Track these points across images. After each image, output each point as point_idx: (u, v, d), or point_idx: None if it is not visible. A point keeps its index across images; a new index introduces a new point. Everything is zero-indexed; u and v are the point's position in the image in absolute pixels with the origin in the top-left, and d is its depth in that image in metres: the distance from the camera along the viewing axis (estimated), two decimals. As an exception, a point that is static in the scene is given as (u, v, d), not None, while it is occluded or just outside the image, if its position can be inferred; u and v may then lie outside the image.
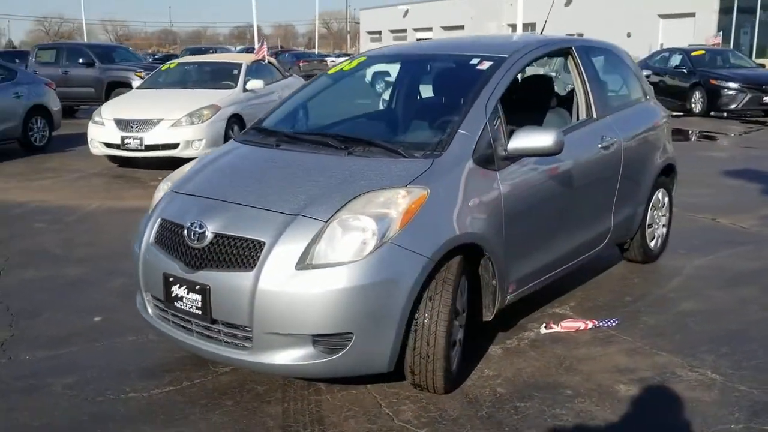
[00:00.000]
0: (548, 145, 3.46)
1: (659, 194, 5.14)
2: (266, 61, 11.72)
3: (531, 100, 4.66)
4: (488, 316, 3.60)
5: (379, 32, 57.79)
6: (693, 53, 17.70)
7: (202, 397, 3.33)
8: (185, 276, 3.17)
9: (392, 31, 55.43)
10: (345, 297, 2.90)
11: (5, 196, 8.06)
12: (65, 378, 3.52)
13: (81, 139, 9.76)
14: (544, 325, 4.06)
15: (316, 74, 4.93)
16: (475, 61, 3.93)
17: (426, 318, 3.07)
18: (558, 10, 40.28)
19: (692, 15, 35.73)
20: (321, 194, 3.15)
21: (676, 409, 3.19)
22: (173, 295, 3.24)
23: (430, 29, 49.91)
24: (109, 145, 9.36)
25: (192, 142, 9.06)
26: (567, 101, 4.65)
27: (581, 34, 43.67)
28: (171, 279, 3.24)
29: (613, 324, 4.11)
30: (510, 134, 3.56)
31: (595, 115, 4.35)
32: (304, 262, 2.95)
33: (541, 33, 5.38)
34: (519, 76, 5.10)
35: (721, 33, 27.88)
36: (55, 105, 11.64)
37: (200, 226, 3.17)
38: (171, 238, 3.33)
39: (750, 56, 26.01)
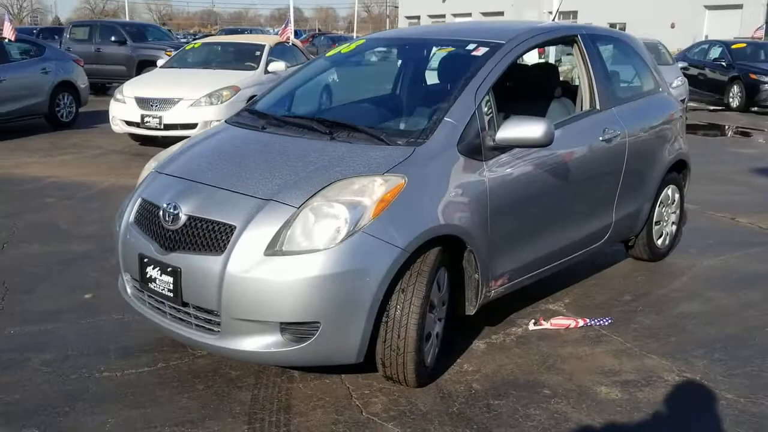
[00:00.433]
0: (537, 136, 3.34)
1: (669, 191, 4.97)
2: (290, 43, 11.67)
3: (536, 89, 4.53)
4: (471, 310, 3.51)
5: (418, 17, 57.32)
6: (733, 46, 17.15)
7: (175, 380, 3.31)
8: (158, 257, 3.15)
9: (430, 16, 54.95)
10: (312, 285, 2.84)
11: (24, 170, 8.17)
12: (44, 354, 3.54)
13: (108, 116, 9.84)
14: (533, 321, 3.96)
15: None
16: (471, 47, 3.82)
17: (397, 310, 3.00)
18: (601, 0, 39.57)
19: (739, 7, 34.70)
20: (296, 180, 3.09)
21: (655, 415, 3.07)
22: (148, 276, 3.22)
23: (469, 15, 49.33)
24: (129, 123, 9.43)
25: (210, 123, 9.05)
26: (575, 91, 4.49)
27: (623, 25, 42.86)
28: (146, 260, 3.22)
29: (606, 323, 3.99)
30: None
31: (598, 107, 4.20)
32: (273, 248, 2.89)
33: (553, 20, 5.21)
34: (526, 64, 4.99)
35: (763, 26, 26.98)
36: (82, 81, 11.77)
37: (175, 208, 3.14)
38: (148, 218, 3.31)
39: (797, 50, 25.13)
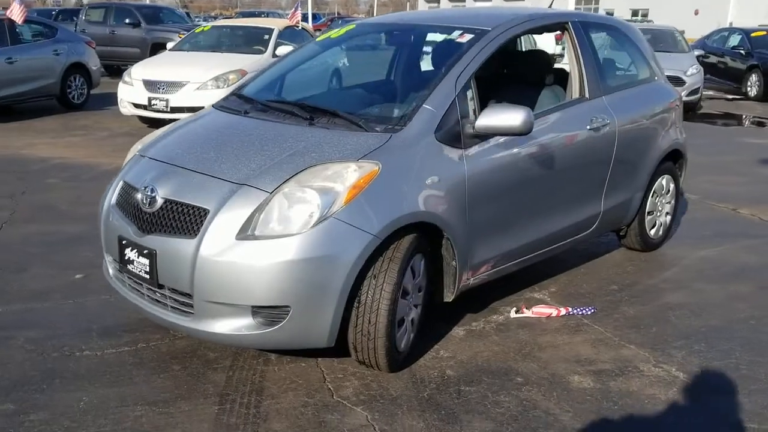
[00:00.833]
0: (516, 124, 3.32)
1: (663, 180, 4.92)
2: (299, 27, 11.65)
3: (528, 77, 4.50)
4: (449, 296, 3.52)
5: (438, 0, 56.94)
6: (753, 34, 16.84)
7: (153, 360, 3.36)
8: (136, 240, 3.19)
9: (451, 0, 54.55)
10: (282, 270, 2.86)
11: (31, 151, 8.28)
12: (30, 332, 3.61)
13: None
14: (514, 309, 3.96)
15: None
16: (456, 33, 3.80)
17: (369, 296, 3.02)
18: (624, -14, 39.04)
19: (766, -7, 34.08)
20: (271, 165, 3.11)
21: (623, 405, 3.07)
22: (126, 258, 3.26)
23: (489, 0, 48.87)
24: (137, 106, 9.50)
25: (216, 106, 9.10)
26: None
27: (646, 11, 42.23)
28: (124, 242, 3.27)
29: (588, 312, 3.98)
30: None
31: (587, 95, 4.17)
32: (245, 233, 2.92)
33: (549, 6, 5.16)
34: (520, 51, 4.96)
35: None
36: (94, 64, 11.86)
37: (152, 191, 3.18)
38: (128, 201, 3.35)
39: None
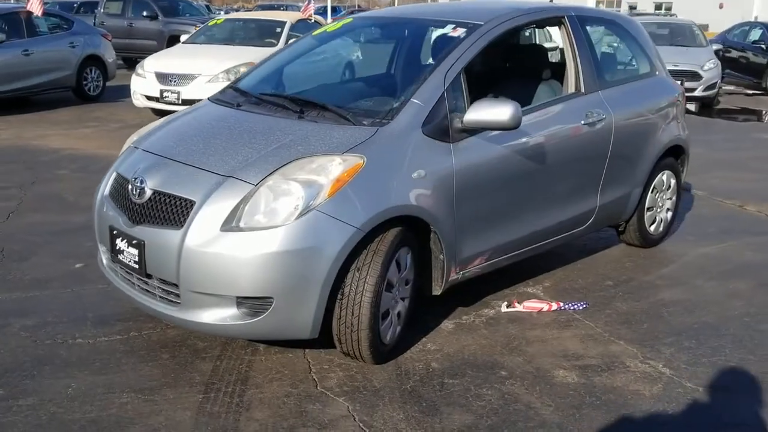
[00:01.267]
0: (504, 119, 3.32)
1: (663, 176, 4.89)
2: (312, 20, 11.68)
3: (526, 71, 4.49)
4: (437, 290, 3.53)
5: (459, -6, 56.72)
6: (774, 27, 16.57)
7: (143, 348, 3.42)
8: (126, 230, 3.24)
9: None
10: (265, 261, 2.90)
11: (44, 141, 8.40)
12: (26, 320, 3.68)
13: (133, 90, 10.03)
14: (506, 303, 3.97)
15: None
16: (449, 27, 3.80)
17: (352, 288, 3.04)
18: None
19: (792, -14, 33.48)
20: (257, 157, 3.14)
21: (606, 401, 3.07)
22: (117, 248, 3.32)
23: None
24: (149, 98, 9.59)
25: (227, 99, 9.17)
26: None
27: (670, 5, 41.71)
28: (115, 232, 3.32)
29: (580, 308, 3.98)
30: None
31: (582, 89, 4.15)
32: (229, 224, 2.95)
33: (551, 0, 5.13)
34: (517, 45, 4.94)
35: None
36: (109, 56, 12.00)
37: (141, 182, 3.23)
38: (120, 192, 3.41)
39: None
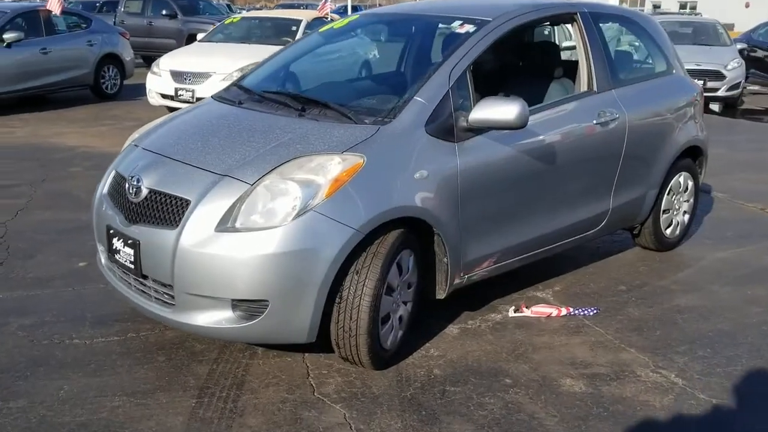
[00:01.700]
0: (510, 118, 3.21)
1: (680, 178, 4.73)
2: (328, 19, 11.60)
3: (535, 69, 4.37)
4: (440, 294, 3.43)
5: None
6: (801, 27, 16.19)
7: (139, 350, 3.36)
8: (122, 229, 3.18)
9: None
10: (261, 263, 2.82)
11: (60, 139, 8.41)
12: (25, 319, 3.64)
13: (150, 89, 10.03)
14: (513, 308, 3.85)
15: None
16: (456, 24, 3.69)
17: (350, 291, 2.95)
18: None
19: (822, -16, 32.84)
20: (255, 156, 3.06)
21: (613, 412, 2.95)
22: (114, 247, 3.26)
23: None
24: (164, 96, 9.58)
25: (241, 97, 9.12)
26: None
27: (695, 3, 41.08)
28: (111, 231, 3.27)
29: (591, 313, 3.85)
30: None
31: (595, 88, 4.01)
32: (225, 225, 2.88)
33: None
34: (529, 42, 4.82)
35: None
36: (127, 54, 12.02)
37: (138, 181, 3.17)
38: (118, 190, 3.35)
39: None
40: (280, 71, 4.12)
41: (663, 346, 3.53)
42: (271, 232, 2.82)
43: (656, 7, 42.39)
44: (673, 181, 4.67)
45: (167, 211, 3.02)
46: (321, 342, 3.04)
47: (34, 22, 10.67)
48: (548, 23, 4.26)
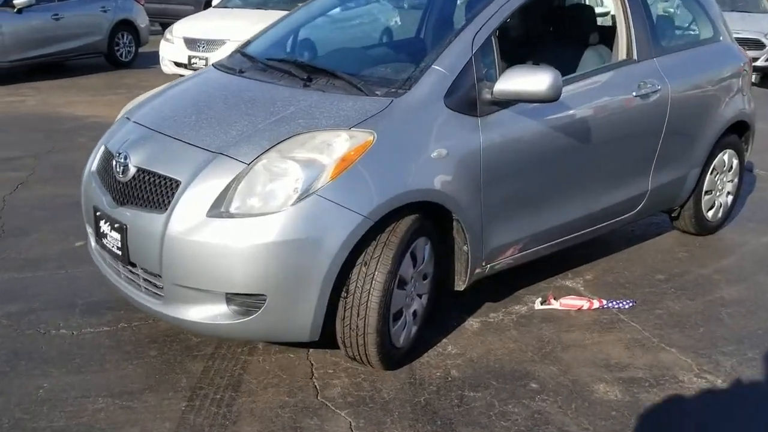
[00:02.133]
0: (541, 89, 2.84)
1: (724, 156, 4.33)
2: (348, -16, 11.15)
3: (568, 35, 3.97)
4: (460, 285, 3.10)
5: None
6: None
7: (130, 343, 3.08)
8: (108, 212, 2.88)
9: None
10: (256, 253, 2.50)
11: (69, 109, 8.14)
12: (11, 305, 3.38)
13: (165, 56, 9.70)
14: (540, 299, 3.51)
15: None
16: (480, -16, 3.30)
17: (357, 286, 2.63)
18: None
19: None
20: (252, 132, 2.73)
21: (655, 426, 2.61)
22: (101, 231, 2.96)
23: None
24: (177, 64, 9.24)
25: (256, 65, 8.76)
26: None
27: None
28: (98, 213, 2.97)
29: (626, 306, 3.50)
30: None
31: (635, 56, 3.61)
32: (217, 209, 2.56)
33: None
34: (560, 5, 4.41)
35: None
36: (142, 21, 11.68)
37: (125, 158, 2.86)
38: (106, 168, 3.05)
39: None
40: (288, 37, 3.76)
41: (707, 345, 3.18)
42: (268, 219, 2.50)
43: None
44: (716, 160, 4.27)
45: (156, 192, 2.71)
46: (328, 337, 2.73)
47: (45, -13, 10.36)
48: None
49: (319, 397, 2.71)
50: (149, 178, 2.75)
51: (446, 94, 2.85)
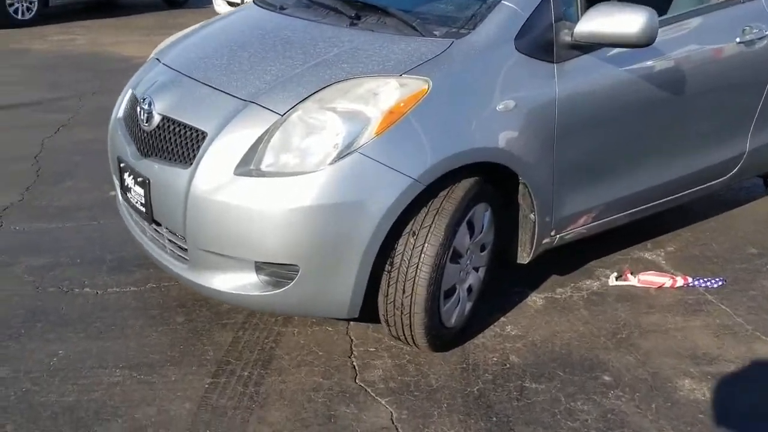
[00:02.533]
0: (632, 31, 2.38)
1: (836, 114, 3.75)
2: None
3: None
4: (524, 258, 2.72)
5: None
6: None
7: (156, 307, 2.82)
8: (132, 164, 2.58)
9: None
10: (287, 219, 2.16)
11: (119, 49, 7.94)
12: (36, 259, 3.16)
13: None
14: (615, 274, 3.09)
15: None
16: None
17: (404, 258, 2.27)
18: None
19: None
20: (289, 77, 2.36)
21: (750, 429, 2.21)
22: (125, 184, 2.68)
23: None
24: (230, 3, 8.91)
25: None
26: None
27: None
28: (122, 165, 2.68)
29: (715, 285, 3.05)
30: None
31: (742, -5, 3.08)
32: (246, 166, 2.22)
33: None
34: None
35: None
36: (198, -42, 11.34)
37: (150, 104, 2.53)
38: (132, 115, 2.74)
39: None
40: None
41: (812, 337, 2.73)
42: (303, 179, 2.15)
43: None
44: (826, 118, 3.69)
45: (180, 144, 2.39)
46: (371, 310, 2.40)
47: None
48: None
49: (357, 380, 2.40)
50: (174, 128, 2.42)
51: (517, 36, 2.41)
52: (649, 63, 2.73)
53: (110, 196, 3.85)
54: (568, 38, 2.48)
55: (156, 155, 2.48)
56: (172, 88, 2.56)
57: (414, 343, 2.44)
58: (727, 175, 3.34)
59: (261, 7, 3.06)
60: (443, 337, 2.50)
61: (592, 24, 2.42)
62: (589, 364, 2.51)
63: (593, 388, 2.39)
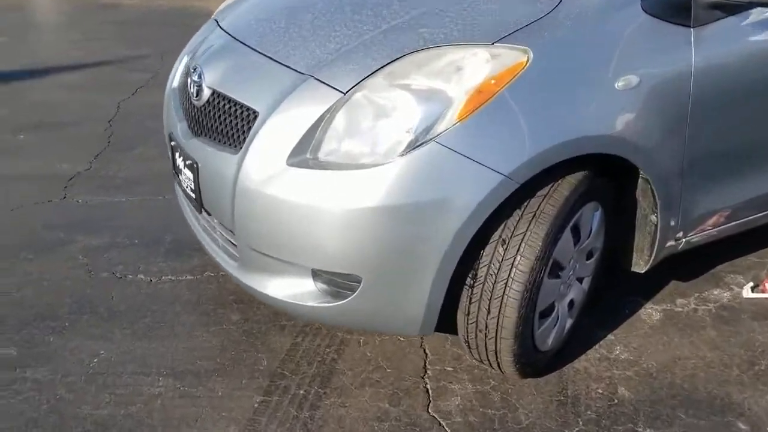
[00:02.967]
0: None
1: None
2: None
3: None
4: (640, 266, 2.24)
5: None
6: None
7: (211, 301, 2.53)
8: (182, 143, 2.27)
9: None
10: (346, 221, 1.77)
11: (206, 3, 7.67)
12: (92, 238, 2.95)
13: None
14: (751, 283, 2.56)
15: None
16: None
17: (490, 272, 1.85)
18: None
19: None
20: (356, 45, 1.95)
21: None
22: (176, 165, 2.37)
23: None
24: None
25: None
26: None
27: None
28: (173, 143, 2.36)
29: None
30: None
31: None
32: (302, 154, 1.84)
33: None
34: None
35: None
36: None
37: (200, 76, 2.19)
38: (184, 86, 2.41)
39: None
40: None
41: None
42: (368, 173, 1.75)
43: None
44: None
45: (230, 124, 2.04)
46: (448, 321, 2.00)
47: None
48: None
49: (430, 410, 2.02)
50: (224, 105, 2.07)
51: (645, -8, 1.90)
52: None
53: (179, 167, 3.60)
54: (710, -4, 1.94)
55: (206, 135, 2.15)
56: (225, 57, 2.21)
57: (500, 370, 2.03)
58: None
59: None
60: (536, 364, 2.08)
61: (747, -24, 1.87)
62: (719, 405, 2.03)
63: (724, 438, 1.92)
